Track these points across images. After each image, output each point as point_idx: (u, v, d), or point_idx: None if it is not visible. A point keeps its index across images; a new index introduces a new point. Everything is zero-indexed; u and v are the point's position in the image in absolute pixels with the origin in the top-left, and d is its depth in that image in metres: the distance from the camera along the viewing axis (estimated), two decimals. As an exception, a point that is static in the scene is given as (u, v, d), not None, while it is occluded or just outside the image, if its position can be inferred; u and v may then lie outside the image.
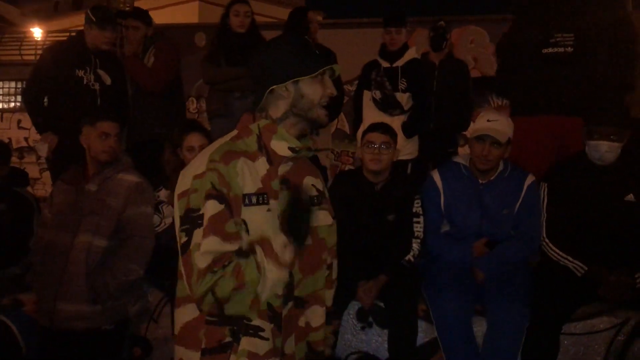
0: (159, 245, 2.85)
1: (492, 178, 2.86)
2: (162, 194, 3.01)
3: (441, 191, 2.91)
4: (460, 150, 4.54)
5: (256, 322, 1.58)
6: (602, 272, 2.57)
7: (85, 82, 3.60)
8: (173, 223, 2.91)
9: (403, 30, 4.04)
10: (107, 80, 3.67)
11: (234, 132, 1.67)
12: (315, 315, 1.73)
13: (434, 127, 4.08)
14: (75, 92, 3.59)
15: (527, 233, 2.81)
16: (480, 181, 2.87)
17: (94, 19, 3.61)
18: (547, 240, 2.76)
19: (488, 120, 2.77)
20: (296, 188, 1.67)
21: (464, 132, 4.57)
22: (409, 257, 2.81)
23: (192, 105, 8.10)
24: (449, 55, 4.31)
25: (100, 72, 3.66)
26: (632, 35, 3.27)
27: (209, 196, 1.53)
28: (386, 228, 2.82)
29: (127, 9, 9.54)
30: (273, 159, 1.64)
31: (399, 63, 4.02)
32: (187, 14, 16.19)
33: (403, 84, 3.97)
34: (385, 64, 4.03)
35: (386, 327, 2.75)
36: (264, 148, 1.63)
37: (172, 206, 2.88)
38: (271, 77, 1.61)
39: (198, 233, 1.52)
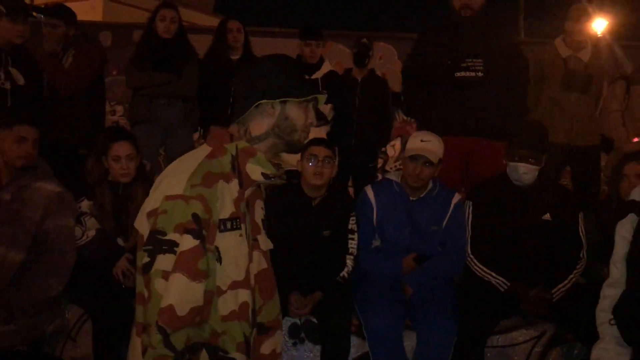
0: (81, 259, 2.67)
1: (422, 195, 2.96)
2: (84, 204, 2.83)
3: (374, 207, 2.96)
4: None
5: (234, 354, 1.53)
6: (523, 288, 2.72)
7: None
8: (96, 236, 2.78)
9: (321, 43, 4.15)
10: (20, 80, 3.39)
11: (206, 149, 1.59)
12: (279, 341, 1.71)
13: (355, 142, 4.17)
14: None
15: (454, 249, 2.92)
16: (411, 198, 2.95)
17: (4, 10, 3.32)
18: (471, 257, 2.89)
19: (422, 141, 2.86)
20: (253, 211, 1.65)
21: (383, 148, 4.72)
22: (343, 273, 2.83)
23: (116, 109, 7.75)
24: (371, 71, 4.43)
25: (12, 70, 3.37)
26: (524, 63, 3.54)
27: (185, 229, 1.45)
28: (322, 244, 2.83)
29: (43, 5, 8.93)
30: (244, 181, 1.59)
31: (318, 75, 4.08)
32: (89, 12, 15.41)
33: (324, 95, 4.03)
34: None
35: (318, 343, 2.75)
36: (237, 170, 1.58)
37: (95, 218, 2.78)
38: (261, 91, 1.57)
39: (162, 259, 1.45)
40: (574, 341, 2.76)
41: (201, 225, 1.47)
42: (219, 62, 3.90)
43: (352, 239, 2.90)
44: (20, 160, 2.57)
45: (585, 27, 4.00)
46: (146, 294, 1.50)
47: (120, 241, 2.85)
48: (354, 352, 2.74)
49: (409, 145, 2.91)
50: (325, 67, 4.20)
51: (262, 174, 1.60)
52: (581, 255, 2.85)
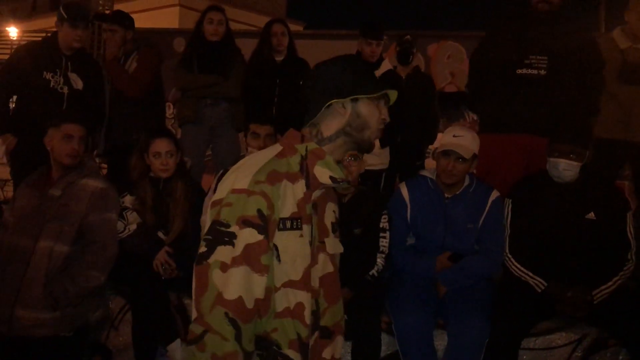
0: (122, 252, 2.82)
1: (457, 192, 2.89)
2: (127, 200, 2.98)
3: (408, 204, 2.93)
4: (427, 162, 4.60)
5: (287, 351, 1.56)
6: (560, 288, 2.61)
7: (52, 85, 3.53)
8: (137, 229, 2.92)
9: (382, 42, 4.08)
10: (78, 84, 3.61)
11: (278, 148, 1.64)
12: (339, 347, 1.73)
13: (401, 140, 4.12)
14: (40, 95, 3.53)
15: (490, 248, 2.84)
16: (446, 195, 2.90)
17: (66, 16, 3.54)
18: (509, 256, 2.79)
19: (454, 136, 2.80)
20: (322, 213, 1.68)
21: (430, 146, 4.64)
22: (373, 271, 2.82)
23: (168, 111, 8.07)
24: (416, 69, 4.37)
25: (72, 75, 3.60)
26: (600, 61, 3.35)
27: (249, 223, 1.50)
28: (352, 241, 2.83)
29: (107, 11, 9.44)
30: (312, 183, 1.62)
31: (377, 73, 4.05)
32: (167, 19, 16.11)
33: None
34: None
35: (350, 340, 2.75)
36: (305, 171, 1.61)
37: (137, 213, 2.92)
38: (331, 92, 1.60)
39: (222, 250, 1.49)
40: (618, 347, 2.61)
41: (266, 221, 1.51)
42: (264, 64, 3.98)
43: (384, 237, 2.88)
44: (67, 158, 2.74)
45: None
46: (194, 284, 1.53)
47: (160, 234, 2.98)
48: (384, 349, 2.72)
49: (441, 141, 2.86)
50: (385, 66, 4.14)
51: (330, 177, 1.61)
52: (629, 257, 2.69)
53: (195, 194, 3.06)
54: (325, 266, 1.69)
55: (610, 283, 2.61)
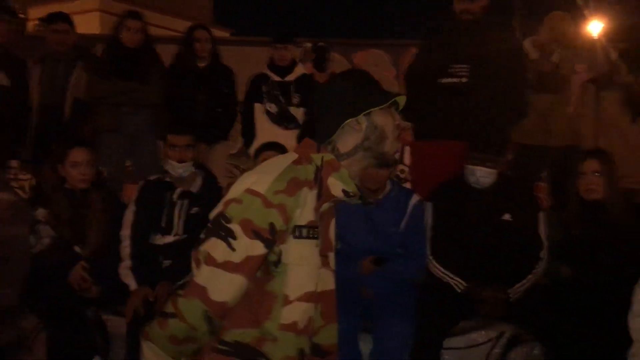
0: (36, 268, 2.68)
1: (380, 197, 2.94)
2: (39, 213, 2.83)
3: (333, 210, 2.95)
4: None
5: None
6: (479, 288, 2.70)
7: None
8: (50, 244, 2.78)
9: (290, 47, 4.18)
10: (4, 81, 3.42)
11: (293, 155, 1.60)
12: None
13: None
14: None
15: (413, 251, 2.90)
16: (369, 200, 2.93)
17: None
18: (431, 258, 2.86)
19: (376, 142, 2.85)
20: (327, 228, 1.65)
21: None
22: None
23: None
24: (332, 75, 4.45)
25: None
26: (522, 67, 3.50)
27: (259, 236, 1.47)
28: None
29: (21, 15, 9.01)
30: (323, 194, 1.58)
31: (291, 77, 4.11)
32: (87, 24, 15.55)
33: (296, 98, 4.06)
34: (275, 78, 4.09)
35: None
36: (319, 181, 1.57)
37: (52, 227, 2.79)
38: (344, 111, 1.56)
39: (214, 243, 1.48)
40: (533, 341, 2.72)
41: (275, 236, 1.49)
42: (186, 70, 3.91)
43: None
44: None
45: (557, 35, 4.02)
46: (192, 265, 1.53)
47: (77, 249, 2.85)
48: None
49: (364, 148, 2.89)
50: (299, 70, 4.22)
51: (343, 190, 1.59)
52: (541, 255, 2.82)
53: (114, 206, 2.95)
54: (326, 282, 1.66)
55: (524, 281, 2.72)
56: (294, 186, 1.51)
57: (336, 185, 1.58)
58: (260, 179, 1.51)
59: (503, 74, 3.34)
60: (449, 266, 2.80)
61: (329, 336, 1.67)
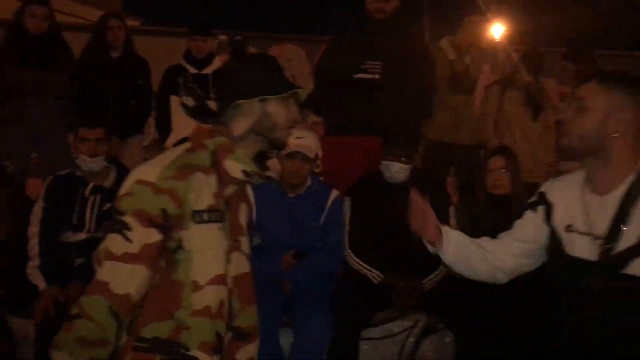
0: None
1: (300, 192, 2.97)
2: None
3: (253, 204, 2.94)
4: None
5: (195, 352, 1.50)
6: (395, 279, 2.80)
7: None
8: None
9: (207, 39, 4.10)
10: None
11: (187, 144, 1.58)
12: (254, 351, 1.69)
13: None
14: None
15: (332, 245, 2.96)
16: (289, 195, 2.96)
17: None
18: (349, 251, 2.94)
19: (297, 137, 2.87)
20: (236, 212, 1.63)
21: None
22: None
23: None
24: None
25: None
26: (429, 66, 3.64)
27: (152, 222, 1.45)
28: None
29: None
30: (223, 178, 1.57)
31: (208, 70, 4.05)
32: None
33: (214, 91, 4.01)
34: (192, 70, 4.02)
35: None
36: (216, 165, 1.56)
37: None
38: (239, 91, 1.57)
39: (111, 239, 1.46)
40: (445, 330, 2.86)
41: (169, 221, 1.47)
42: (98, 60, 3.76)
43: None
44: None
45: (473, 38, 4.21)
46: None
47: (-21, 248, 2.68)
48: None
49: (285, 143, 2.91)
50: (216, 63, 4.16)
51: (243, 171, 1.58)
52: (451, 246, 2.95)
53: (18, 202, 2.79)
54: (240, 265, 1.65)
55: (437, 272, 2.86)
56: (185, 171, 1.51)
57: (234, 167, 1.59)
58: (149, 169, 1.51)
59: (412, 72, 3.46)
60: (367, 259, 2.88)
61: (248, 319, 1.68)
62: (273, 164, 2.86)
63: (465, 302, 2.75)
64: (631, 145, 1.53)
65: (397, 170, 2.93)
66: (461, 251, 1.80)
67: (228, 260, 1.60)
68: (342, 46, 3.58)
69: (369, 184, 3.05)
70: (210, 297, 1.53)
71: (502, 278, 1.85)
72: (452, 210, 3.06)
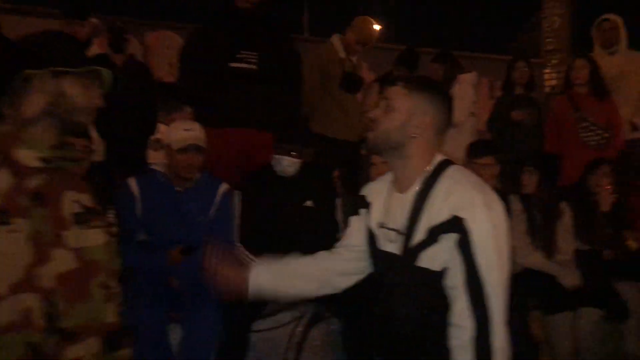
0: None
1: (189, 186, 2.92)
2: None
3: (138, 199, 2.85)
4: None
5: None
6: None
7: None
8: None
9: (85, 23, 3.90)
10: None
11: None
12: (92, 349, 1.51)
13: (120, 132, 3.96)
14: None
15: (221, 239, 2.93)
16: (177, 189, 2.90)
17: None
18: (238, 245, 2.94)
19: (185, 130, 2.83)
20: (55, 204, 1.44)
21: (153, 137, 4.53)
22: None
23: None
24: (131, 56, 4.26)
25: None
26: (296, 61, 3.64)
27: None
28: None
29: None
30: (19, 170, 1.39)
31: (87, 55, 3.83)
32: None
33: None
34: None
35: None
36: (5, 159, 1.38)
37: None
38: (27, 62, 1.39)
39: None
40: (331, 318, 2.97)
41: None
42: None
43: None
44: None
45: (363, 37, 4.35)
46: None
47: None
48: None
49: (172, 136, 2.85)
50: (95, 50, 3.95)
51: (42, 159, 1.41)
52: (337, 237, 3.07)
53: None
54: (65, 262, 1.48)
55: (324, 263, 2.95)
56: None
57: (28, 156, 1.43)
58: None
59: (283, 66, 3.44)
60: (256, 252, 2.90)
61: (78, 317, 1.53)
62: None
63: (350, 289, 2.88)
64: (426, 147, 1.64)
65: (287, 165, 2.99)
66: (280, 277, 1.94)
67: (47, 259, 1.44)
68: (212, 34, 3.44)
69: (260, 176, 3.07)
70: (9, 310, 1.37)
71: (342, 284, 1.94)
72: (338, 202, 3.17)
